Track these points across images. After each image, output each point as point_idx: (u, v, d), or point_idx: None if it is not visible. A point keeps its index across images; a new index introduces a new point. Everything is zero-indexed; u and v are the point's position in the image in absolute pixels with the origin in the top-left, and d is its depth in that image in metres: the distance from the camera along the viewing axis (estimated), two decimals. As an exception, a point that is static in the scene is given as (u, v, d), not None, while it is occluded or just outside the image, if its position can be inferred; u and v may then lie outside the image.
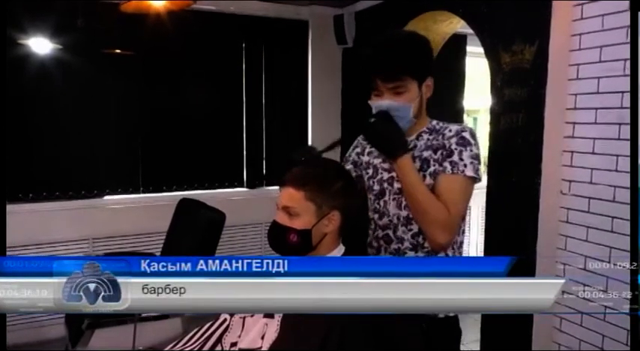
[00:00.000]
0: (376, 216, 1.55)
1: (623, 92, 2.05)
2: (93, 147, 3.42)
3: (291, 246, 1.33)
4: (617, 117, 2.08)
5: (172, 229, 3.00)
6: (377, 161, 1.55)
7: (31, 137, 3.25)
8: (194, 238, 2.70)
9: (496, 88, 2.54)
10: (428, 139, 1.47)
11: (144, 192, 3.59)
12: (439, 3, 2.93)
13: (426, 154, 1.45)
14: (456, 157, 1.40)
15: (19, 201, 3.20)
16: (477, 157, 1.42)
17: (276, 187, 1.39)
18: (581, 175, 2.24)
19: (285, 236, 1.32)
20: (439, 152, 1.43)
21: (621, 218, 2.07)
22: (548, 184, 2.32)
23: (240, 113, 3.86)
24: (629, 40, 1.99)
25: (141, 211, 3.52)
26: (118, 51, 3.33)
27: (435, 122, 1.52)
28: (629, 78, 2.00)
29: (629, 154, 2.00)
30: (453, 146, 1.41)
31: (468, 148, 1.41)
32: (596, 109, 2.17)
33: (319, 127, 4.03)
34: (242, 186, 3.92)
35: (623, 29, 2.03)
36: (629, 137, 2.01)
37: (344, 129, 4.06)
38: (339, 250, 1.39)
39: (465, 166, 1.40)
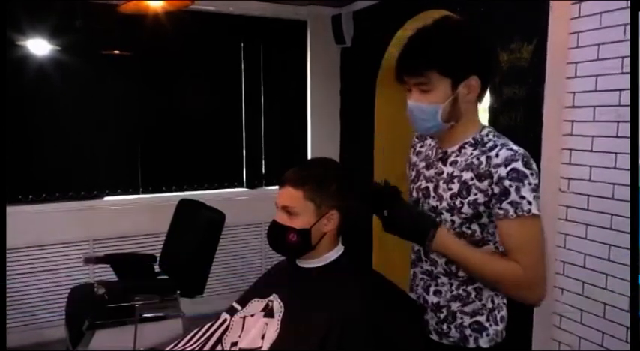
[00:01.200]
0: None
1: (620, 90, 2.05)
2: (92, 148, 3.42)
3: (290, 245, 1.34)
4: (615, 115, 2.08)
5: (172, 230, 3.00)
6: (421, 165, 1.41)
7: (30, 139, 3.25)
8: (194, 238, 2.70)
9: (495, 87, 2.54)
10: (471, 155, 1.27)
11: (144, 193, 3.60)
12: (437, 2, 2.93)
13: (466, 176, 1.26)
14: (514, 196, 1.18)
15: (19, 203, 3.21)
16: (536, 190, 1.21)
17: (276, 187, 1.39)
18: (579, 173, 2.25)
19: (284, 236, 1.33)
20: (485, 182, 1.22)
21: (620, 216, 2.07)
22: (547, 182, 2.32)
23: (239, 113, 3.86)
24: (626, 37, 2.01)
25: (141, 212, 3.52)
26: (116, 52, 3.34)
27: (485, 132, 1.30)
28: (626, 76, 2.02)
29: (627, 151, 2.02)
30: (507, 183, 1.19)
31: (526, 182, 1.19)
32: (595, 106, 2.17)
33: (318, 127, 4.03)
34: (242, 186, 3.92)
35: (621, 27, 2.03)
36: (627, 135, 2.02)
37: (343, 129, 4.06)
38: (338, 250, 1.39)
39: (530, 204, 1.19)
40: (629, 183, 2.02)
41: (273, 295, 1.37)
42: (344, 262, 1.38)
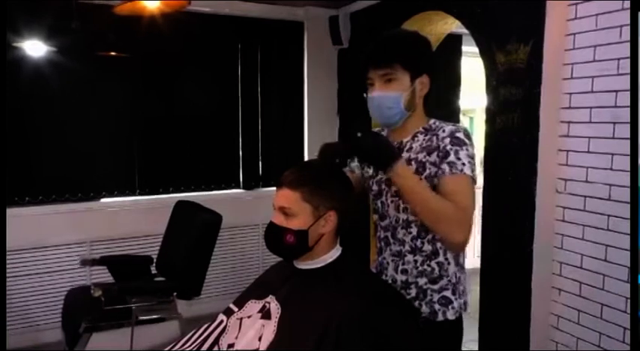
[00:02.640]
0: (376, 216, 1.57)
1: (617, 91, 2.06)
2: (89, 149, 3.41)
3: (287, 247, 1.33)
4: (611, 116, 2.08)
5: (169, 232, 2.99)
6: None
7: (26, 140, 3.23)
8: (191, 240, 2.70)
9: (492, 88, 2.54)
10: (423, 140, 1.46)
11: (140, 194, 3.59)
12: (434, 3, 2.93)
13: (421, 156, 1.44)
14: (452, 158, 1.38)
15: (15, 204, 3.19)
16: (472, 157, 1.40)
17: (273, 188, 1.39)
18: (576, 174, 2.25)
19: (281, 237, 1.33)
20: (434, 154, 1.41)
21: (617, 216, 2.07)
22: (544, 183, 2.32)
23: (236, 114, 3.86)
24: (622, 39, 2.01)
25: (138, 214, 3.51)
26: (113, 53, 3.33)
27: (432, 121, 1.49)
28: (622, 77, 2.03)
29: (623, 152, 2.02)
30: (448, 147, 1.39)
31: (464, 148, 1.39)
32: (591, 108, 2.17)
33: (315, 128, 4.03)
34: (238, 187, 3.91)
35: (617, 29, 2.04)
36: (623, 136, 2.03)
37: (340, 130, 4.06)
38: (336, 251, 1.39)
39: (464, 165, 1.38)
40: (625, 184, 2.02)
41: (271, 296, 1.37)
42: (341, 264, 1.38)
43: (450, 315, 1.45)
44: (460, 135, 1.41)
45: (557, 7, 2.24)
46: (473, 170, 1.39)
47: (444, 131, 1.42)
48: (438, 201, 1.36)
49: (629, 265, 2.03)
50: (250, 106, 3.89)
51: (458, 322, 1.48)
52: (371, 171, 1.57)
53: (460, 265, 1.50)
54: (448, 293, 1.46)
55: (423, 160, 1.43)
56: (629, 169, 2.01)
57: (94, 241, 3.37)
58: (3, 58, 2.98)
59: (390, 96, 1.43)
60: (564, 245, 2.32)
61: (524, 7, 2.35)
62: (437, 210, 1.35)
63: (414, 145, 1.47)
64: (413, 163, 1.44)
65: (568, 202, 2.30)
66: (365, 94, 1.49)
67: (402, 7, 3.15)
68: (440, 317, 1.44)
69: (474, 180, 1.40)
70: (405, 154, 1.45)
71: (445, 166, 1.38)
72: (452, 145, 1.39)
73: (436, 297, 1.45)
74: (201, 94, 3.71)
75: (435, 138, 1.43)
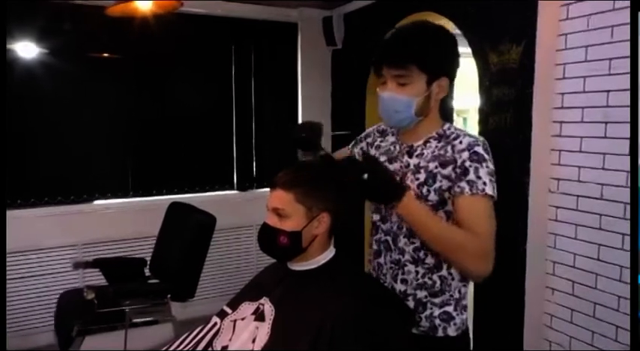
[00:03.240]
0: (377, 217, 1.48)
1: (608, 91, 2.07)
2: (82, 151, 3.39)
3: (281, 248, 1.33)
4: (602, 115, 2.10)
5: (163, 234, 2.98)
6: (383, 159, 1.46)
7: (18, 142, 3.22)
8: (185, 241, 2.69)
9: (485, 88, 2.55)
10: (436, 148, 1.35)
11: (134, 196, 3.57)
12: (427, 4, 2.94)
13: (432, 165, 1.33)
14: (472, 176, 1.27)
15: (7, 207, 3.17)
16: (493, 174, 1.29)
17: (267, 190, 1.39)
18: (569, 174, 2.26)
19: (275, 238, 1.32)
20: (449, 167, 1.30)
21: (609, 216, 2.09)
22: (537, 183, 2.33)
23: (230, 116, 3.85)
24: (614, 39, 2.03)
25: (131, 216, 3.50)
26: (105, 54, 3.31)
27: (447, 127, 1.38)
28: (614, 77, 2.04)
29: (615, 152, 2.04)
30: (467, 163, 1.28)
31: (484, 165, 1.28)
32: (583, 107, 2.19)
33: (309, 129, 4.02)
34: (232, 189, 3.90)
35: (608, 29, 2.05)
36: (615, 135, 2.04)
37: (334, 130, 4.05)
38: (329, 253, 1.39)
39: (485, 184, 1.27)
40: (617, 183, 2.04)
41: (264, 298, 1.36)
42: (335, 265, 1.38)
43: (452, 331, 1.37)
44: (479, 149, 1.29)
45: (549, 8, 2.26)
46: (494, 188, 1.29)
47: (461, 143, 1.31)
48: (452, 232, 1.28)
49: (621, 264, 2.04)
50: (244, 107, 3.88)
51: (460, 339, 1.40)
52: None
53: (465, 280, 1.41)
54: (450, 309, 1.38)
55: (434, 170, 1.32)
56: (620, 169, 2.02)
57: (87, 243, 3.35)
58: (3, 59, 2.97)
59: (400, 100, 1.32)
60: (557, 245, 2.33)
61: (517, 8, 2.36)
62: (452, 242, 1.27)
63: (425, 152, 1.37)
64: (422, 171, 1.34)
65: (561, 202, 2.31)
66: (377, 89, 1.38)
67: (396, 8, 3.16)
68: (440, 333, 1.37)
69: (494, 198, 1.30)
70: (414, 160, 1.37)
71: (465, 185, 1.27)
72: (471, 162, 1.28)
73: (437, 312, 1.37)
74: (194, 96, 3.70)
75: (450, 148, 1.32)
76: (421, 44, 1.31)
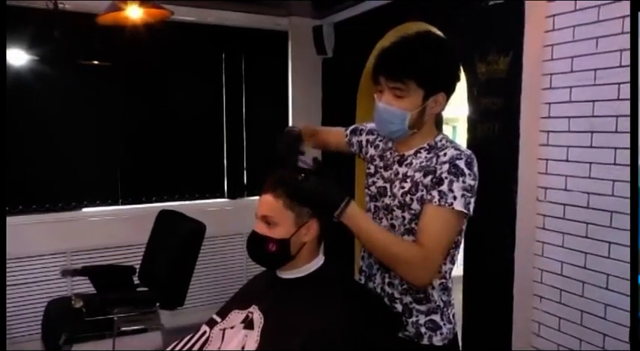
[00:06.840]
0: (369, 215, 1.47)
1: (594, 101, 2.10)
2: (71, 158, 3.38)
3: (269, 256, 1.33)
4: (589, 125, 2.13)
5: (152, 241, 2.97)
6: (379, 163, 1.48)
7: (7, 150, 3.19)
8: (174, 249, 2.68)
9: (473, 98, 2.58)
10: (425, 158, 1.36)
11: (123, 204, 3.56)
12: (417, 14, 2.97)
13: (418, 175, 1.34)
14: (445, 187, 1.27)
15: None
16: (470, 190, 1.28)
17: (257, 198, 1.39)
18: (556, 183, 2.29)
19: (264, 246, 1.33)
20: (429, 177, 1.31)
21: (595, 224, 2.11)
22: (525, 192, 2.36)
23: (220, 124, 3.85)
24: (599, 50, 2.06)
25: (120, 223, 3.48)
26: (95, 62, 3.31)
27: (439, 138, 1.39)
28: (599, 87, 2.08)
29: (601, 161, 2.07)
30: (444, 175, 1.28)
31: (461, 179, 1.27)
32: (569, 117, 2.22)
33: (300, 137, 4.03)
34: (223, 196, 3.90)
35: (593, 40, 2.09)
36: (601, 145, 2.07)
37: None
38: (318, 260, 1.40)
39: (455, 198, 1.26)
40: (603, 192, 2.06)
41: (253, 306, 1.36)
42: (324, 273, 1.38)
43: (437, 341, 1.37)
44: (460, 163, 1.29)
45: (536, 19, 2.29)
46: (467, 204, 1.28)
47: (445, 155, 1.32)
48: (392, 242, 1.29)
49: (608, 272, 2.06)
50: (235, 115, 3.89)
51: (446, 350, 1.39)
52: (372, 170, 1.50)
53: (446, 289, 1.41)
54: (437, 317, 1.38)
55: (418, 180, 1.33)
56: (606, 178, 2.05)
57: (75, 251, 3.33)
58: (3, 61, 2.95)
59: (395, 112, 1.32)
60: (545, 253, 2.35)
61: (505, 19, 2.39)
62: (392, 252, 1.28)
63: (414, 161, 1.38)
64: (408, 180, 1.35)
65: (548, 210, 2.33)
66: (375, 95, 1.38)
67: (386, 18, 3.19)
68: (425, 341, 1.38)
69: (466, 215, 1.30)
70: (403, 169, 1.39)
71: (435, 194, 1.28)
72: (448, 174, 1.28)
73: (422, 319, 1.38)
74: (185, 104, 3.71)
75: (435, 159, 1.33)
76: (421, 60, 1.30)
